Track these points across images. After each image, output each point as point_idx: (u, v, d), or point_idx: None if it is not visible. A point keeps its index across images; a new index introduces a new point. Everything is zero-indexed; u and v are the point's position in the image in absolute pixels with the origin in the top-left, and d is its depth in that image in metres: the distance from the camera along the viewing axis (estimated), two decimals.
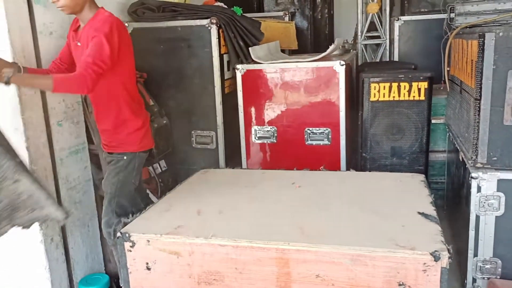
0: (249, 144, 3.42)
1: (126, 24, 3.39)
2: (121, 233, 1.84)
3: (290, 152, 3.33)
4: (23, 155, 2.16)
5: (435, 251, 1.52)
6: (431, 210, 1.86)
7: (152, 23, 3.35)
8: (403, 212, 1.87)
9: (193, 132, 3.49)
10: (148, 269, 1.84)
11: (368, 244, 1.61)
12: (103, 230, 2.42)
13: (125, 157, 2.34)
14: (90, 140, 2.68)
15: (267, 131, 3.36)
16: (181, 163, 3.58)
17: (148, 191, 3.16)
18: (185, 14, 3.32)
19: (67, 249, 2.43)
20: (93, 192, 2.62)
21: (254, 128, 3.37)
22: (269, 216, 1.93)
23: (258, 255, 1.70)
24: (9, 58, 2.09)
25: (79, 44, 2.21)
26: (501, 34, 2.15)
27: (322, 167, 2.58)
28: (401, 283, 1.57)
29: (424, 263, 1.53)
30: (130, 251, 1.84)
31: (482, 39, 2.19)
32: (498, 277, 2.44)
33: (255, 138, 3.39)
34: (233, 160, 3.49)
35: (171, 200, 2.20)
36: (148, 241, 1.82)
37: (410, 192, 2.12)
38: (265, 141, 3.38)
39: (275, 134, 3.35)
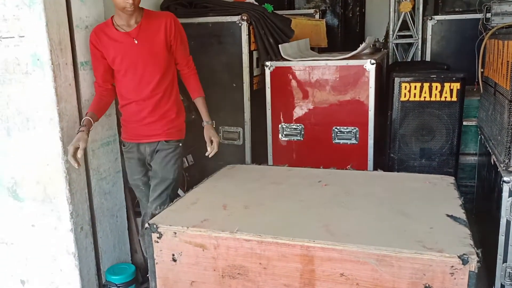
0: (276, 141, 3.43)
1: None
2: (149, 224, 1.88)
3: (317, 150, 3.32)
4: (57, 145, 2.23)
5: (464, 254, 1.49)
6: (461, 213, 1.82)
7: (184, 19, 3.38)
8: (432, 214, 1.84)
9: (220, 127, 3.52)
10: (174, 260, 1.87)
11: (395, 245, 1.59)
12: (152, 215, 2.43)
13: (180, 144, 2.58)
14: (120, 134, 2.74)
15: (294, 128, 3.35)
16: (208, 158, 3.60)
17: None
18: (217, 10, 3.35)
19: (96, 238, 2.49)
20: (123, 183, 2.68)
21: (282, 125, 3.38)
22: (295, 213, 1.94)
23: (283, 251, 1.71)
24: (46, 51, 2.16)
25: (136, 41, 2.33)
26: None
27: (349, 166, 2.56)
28: (427, 285, 1.55)
29: (452, 266, 1.50)
30: (157, 242, 1.88)
31: None
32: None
33: (282, 135, 3.39)
34: (259, 157, 3.51)
35: (197, 194, 2.23)
36: (175, 233, 1.85)
37: (439, 194, 2.08)
38: (292, 139, 3.38)
39: (302, 132, 3.34)
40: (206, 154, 2.59)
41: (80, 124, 2.26)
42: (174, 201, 2.14)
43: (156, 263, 1.91)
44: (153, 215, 1.98)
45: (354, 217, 1.87)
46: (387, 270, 1.59)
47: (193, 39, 3.44)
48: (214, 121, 2.68)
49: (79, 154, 2.11)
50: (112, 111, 2.59)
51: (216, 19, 3.34)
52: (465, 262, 1.49)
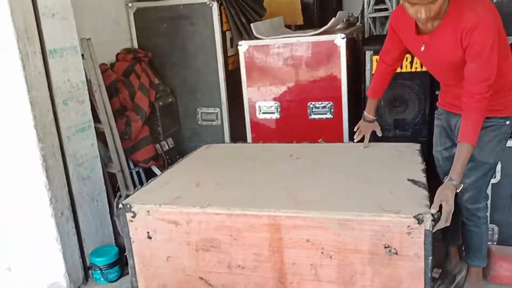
0: (254, 119, 3.47)
1: (130, 5, 3.47)
2: (122, 204, 1.94)
3: (294, 126, 3.37)
4: (31, 133, 2.27)
5: (419, 214, 1.57)
6: (421, 177, 1.90)
7: (155, 1, 3.40)
8: (394, 179, 1.92)
9: (198, 109, 3.57)
10: (149, 238, 1.94)
11: (356, 210, 1.67)
12: (464, 208, 2.10)
13: (507, 122, 2.03)
14: (96, 119, 2.77)
15: (271, 106, 3.40)
16: (188, 140, 3.67)
17: (155, 168, 3.27)
18: None
19: (77, 222, 2.55)
20: (101, 168, 2.73)
21: (258, 104, 3.41)
22: (264, 186, 2.00)
23: (251, 222, 1.78)
24: (13, 40, 2.17)
25: (423, 48, 1.99)
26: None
27: (320, 139, 2.62)
28: (386, 245, 1.63)
29: (408, 226, 1.58)
30: (132, 221, 1.94)
31: None
32: (495, 243, 2.48)
33: (259, 113, 3.43)
34: (238, 135, 3.56)
35: (172, 174, 2.28)
36: (148, 211, 1.91)
37: (404, 161, 2.16)
38: (270, 117, 3.42)
39: (279, 109, 3.39)
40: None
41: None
42: (149, 181, 2.19)
43: (133, 241, 1.98)
44: (127, 196, 2.03)
45: (320, 187, 1.94)
46: (348, 233, 1.67)
47: (165, 22, 3.47)
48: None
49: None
50: (85, 98, 2.61)
51: (186, 1, 3.36)
52: (420, 221, 1.57)
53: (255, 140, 3.50)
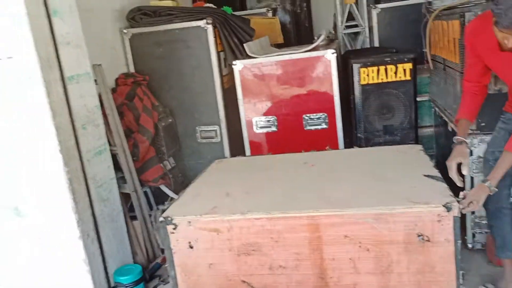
0: (252, 134, 3.63)
1: (125, 31, 3.57)
2: (163, 217, 2.03)
3: (291, 138, 3.55)
4: (57, 157, 2.33)
5: (447, 203, 1.77)
6: (436, 172, 2.11)
7: (150, 27, 3.52)
8: (411, 176, 2.11)
9: (197, 127, 3.69)
10: (191, 247, 2.04)
11: (387, 204, 1.85)
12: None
13: None
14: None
15: (268, 120, 3.57)
16: (188, 158, 3.77)
17: (163, 186, 3.35)
18: (181, 16, 3.50)
19: (101, 243, 2.59)
20: (117, 189, 2.79)
21: (255, 119, 3.58)
22: (293, 191, 2.15)
23: (291, 223, 1.92)
24: (37, 69, 2.25)
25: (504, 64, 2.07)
26: (479, 12, 2.42)
27: (327, 147, 2.81)
28: (419, 234, 1.81)
29: (438, 214, 1.78)
30: (173, 233, 2.04)
31: (463, 18, 2.46)
32: None
33: (256, 128, 3.59)
34: (237, 151, 3.69)
35: (197, 188, 2.39)
36: (189, 222, 2.01)
37: (413, 160, 2.37)
38: (267, 130, 3.59)
39: (276, 123, 3.56)
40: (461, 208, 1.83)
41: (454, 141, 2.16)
42: (179, 196, 2.29)
43: (174, 252, 2.07)
44: (162, 211, 2.12)
45: (345, 187, 2.11)
46: (383, 226, 1.84)
47: (161, 46, 3.59)
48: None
49: (464, 171, 2.01)
50: (100, 121, 2.69)
51: (181, 25, 3.49)
52: (449, 209, 1.76)
53: (253, 153, 3.65)
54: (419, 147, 2.58)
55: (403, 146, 2.69)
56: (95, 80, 2.74)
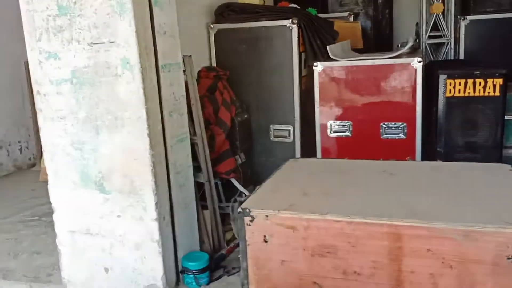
0: (324, 137, 3.60)
1: (211, 26, 3.67)
2: (242, 208, 2.06)
3: (365, 145, 3.49)
4: (145, 141, 2.43)
5: None
6: None
7: (236, 24, 3.60)
8: (503, 196, 2.00)
9: (271, 126, 3.72)
10: (265, 241, 2.05)
11: (479, 221, 1.76)
12: None
13: None
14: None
15: (343, 125, 3.53)
16: (259, 155, 3.82)
17: (234, 180, 3.41)
18: (267, 15, 3.56)
19: (174, 227, 2.68)
20: (193, 177, 2.88)
21: (330, 122, 3.55)
22: (374, 197, 2.10)
23: (372, 230, 1.88)
24: (135, 56, 2.36)
25: None
26: None
27: (408, 157, 2.73)
28: (510, 256, 1.72)
29: None
30: (249, 225, 2.06)
31: None
32: None
33: (330, 132, 3.56)
34: (308, 152, 3.69)
35: (274, 184, 2.39)
36: (267, 216, 2.02)
37: (503, 179, 2.24)
38: (340, 135, 3.55)
39: (351, 128, 3.51)
40: None
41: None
42: (256, 189, 2.32)
43: (248, 244, 2.08)
44: (241, 202, 2.16)
45: (429, 199, 2.03)
46: (472, 245, 1.75)
47: (244, 42, 3.67)
48: None
49: None
50: (184, 110, 2.78)
51: (267, 24, 3.54)
52: None
53: (325, 157, 3.62)
54: (509, 166, 2.44)
55: (490, 164, 2.54)
56: (184, 71, 2.84)
